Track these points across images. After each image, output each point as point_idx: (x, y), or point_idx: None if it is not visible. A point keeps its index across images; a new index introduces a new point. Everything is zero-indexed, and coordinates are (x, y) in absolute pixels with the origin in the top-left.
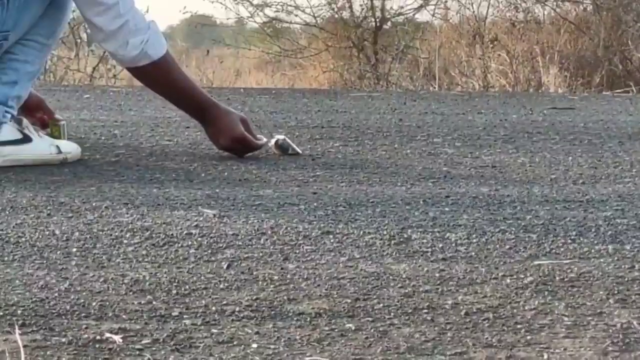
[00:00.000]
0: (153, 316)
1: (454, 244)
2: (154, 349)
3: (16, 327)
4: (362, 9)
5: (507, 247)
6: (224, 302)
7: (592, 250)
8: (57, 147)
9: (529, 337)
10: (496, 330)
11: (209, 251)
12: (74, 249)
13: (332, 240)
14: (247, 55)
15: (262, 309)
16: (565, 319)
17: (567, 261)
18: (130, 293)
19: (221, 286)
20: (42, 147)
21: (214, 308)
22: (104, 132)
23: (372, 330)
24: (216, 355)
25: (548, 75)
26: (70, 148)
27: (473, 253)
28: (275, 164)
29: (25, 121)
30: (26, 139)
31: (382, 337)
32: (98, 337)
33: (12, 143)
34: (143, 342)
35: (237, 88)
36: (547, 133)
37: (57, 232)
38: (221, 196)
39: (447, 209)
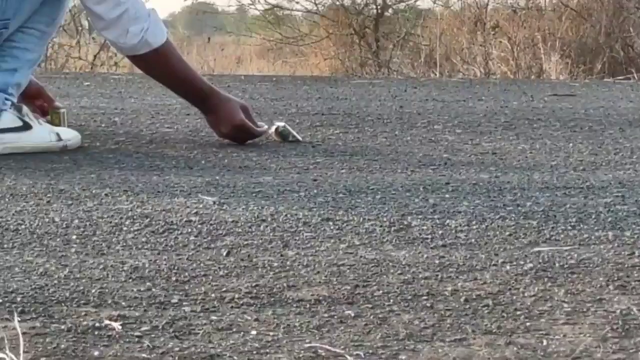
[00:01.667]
0: (152, 303)
1: (453, 231)
2: (153, 335)
3: (15, 314)
4: None
5: (507, 233)
6: (224, 289)
7: (592, 237)
8: (57, 134)
9: (528, 324)
10: (495, 317)
11: (209, 238)
12: (74, 236)
13: (332, 227)
14: (248, 43)
15: (262, 296)
16: (565, 305)
17: (567, 248)
18: (130, 280)
19: (220, 273)
20: (42, 134)
21: (213, 295)
22: (104, 120)
23: (371, 317)
24: (215, 342)
25: (549, 62)
26: (70, 135)
27: (473, 240)
28: (275, 151)
29: (25, 108)
30: (26, 127)
31: (382, 324)
32: (97, 324)
33: (12, 130)
34: (142, 329)
35: (238, 75)
36: (548, 120)
37: (56, 219)
38: (221, 183)
39: (447, 195)
